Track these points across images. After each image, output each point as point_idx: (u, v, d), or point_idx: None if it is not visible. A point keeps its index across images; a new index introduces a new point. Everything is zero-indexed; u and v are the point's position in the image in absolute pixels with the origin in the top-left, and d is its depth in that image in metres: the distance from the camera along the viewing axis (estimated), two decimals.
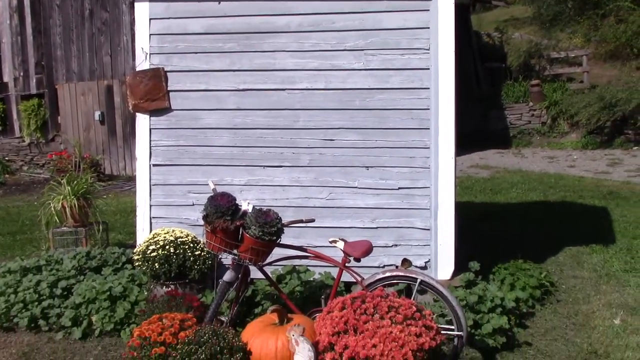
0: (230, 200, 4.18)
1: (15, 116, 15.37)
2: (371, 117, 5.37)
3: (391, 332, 3.62)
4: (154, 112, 5.61)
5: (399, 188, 5.38)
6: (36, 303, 5.19)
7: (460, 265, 5.38)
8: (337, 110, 5.40)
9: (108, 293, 5.06)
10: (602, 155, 14.50)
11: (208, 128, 5.56)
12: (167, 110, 5.59)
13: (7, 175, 14.23)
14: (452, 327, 4.20)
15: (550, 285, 5.81)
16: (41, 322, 5.10)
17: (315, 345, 3.75)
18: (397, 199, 5.39)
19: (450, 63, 5.20)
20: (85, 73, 14.56)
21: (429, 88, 5.27)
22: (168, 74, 5.57)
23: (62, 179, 6.62)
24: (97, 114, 14.43)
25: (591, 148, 15.56)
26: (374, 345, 3.55)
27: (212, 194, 4.26)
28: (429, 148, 5.32)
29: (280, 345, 3.86)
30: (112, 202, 10.80)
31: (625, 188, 10.76)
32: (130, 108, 5.62)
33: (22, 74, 15.14)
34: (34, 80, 15.05)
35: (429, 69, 5.26)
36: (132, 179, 13.25)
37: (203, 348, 3.77)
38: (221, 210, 4.11)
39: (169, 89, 5.56)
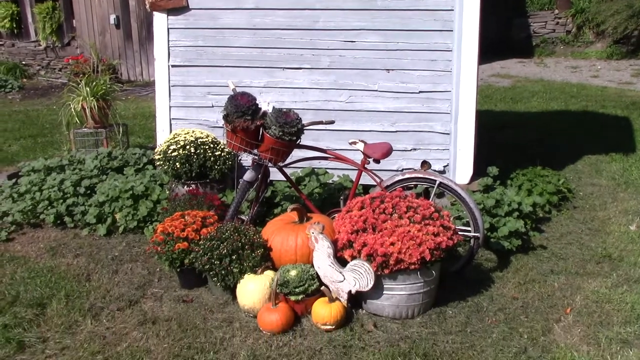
0: (251, 99, 4.16)
1: (30, 19, 15.16)
2: (393, 18, 5.23)
3: (409, 231, 3.69)
4: (171, 11, 5.49)
5: (420, 92, 5.32)
6: (61, 201, 5.31)
7: (479, 172, 5.39)
8: (358, 10, 5.26)
9: (131, 192, 5.15)
10: (626, 66, 14.15)
11: (227, 28, 5.46)
12: (185, 9, 5.48)
13: (24, 80, 14.20)
14: (469, 229, 4.26)
15: (567, 191, 5.82)
16: (66, 219, 5.24)
17: (334, 242, 3.83)
18: (417, 102, 5.34)
19: None
20: None
21: None
22: None
23: (80, 81, 6.61)
24: (112, 17, 14.19)
25: (616, 58, 15.16)
26: (392, 243, 3.62)
27: (232, 94, 4.23)
28: (451, 51, 5.20)
29: (300, 242, 3.95)
30: (130, 106, 10.81)
31: None
32: (148, 7, 5.51)
33: None
34: None
35: None
36: (149, 84, 13.19)
37: (225, 244, 3.88)
38: (241, 109, 4.09)
39: None
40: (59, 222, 5.26)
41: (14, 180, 5.79)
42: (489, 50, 14.17)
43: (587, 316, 3.79)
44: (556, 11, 16.43)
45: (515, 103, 10.66)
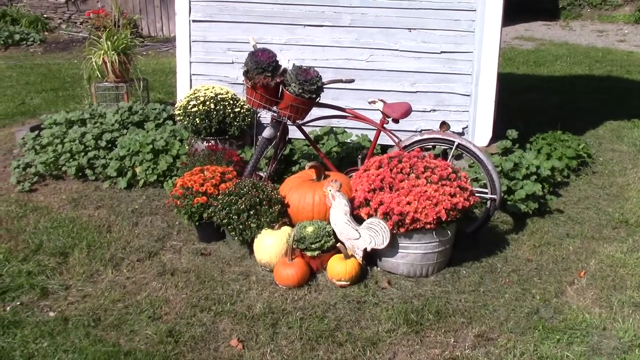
0: (271, 56, 4.15)
1: None
2: None
3: (426, 191, 3.71)
4: None
5: (442, 52, 5.27)
6: (82, 154, 5.38)
7: (498, 135, 5.37)
8: None
9: (151, 146, 5.21)
10: None
11: None
12: None
13: (46, 33, 14.20)
14: (486, 191, 4.27)
15: (587, 156, 5.79)
16: (88, 171, 5.32)
17: (351, 201, 3.87)
18: (438, 63, 5.29)
19: None
20: None
21: None
22: None
23: (101, 35, 6.62)
24: None
25: None
26: (409, 203, 3.65)
27: (252, 50, 4.23)
28: (475, 11, 5.13)
29: (317, 199, 3.99)
30: (151, 62, 10.82)
31: None
32: None
33: None
34: None
35: None
36: (169, 40, 13.14)
37: (243, 199, 3.93)
38: (262, 66, 4.10)
39: None
40: (80, 174, 5.34)
41: (36, 133, 5.86)
42: (514, 12, 13.89)
43: (601, 280, 3.81)
44: None
45: (538, 66, 10.51)
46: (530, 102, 7.95)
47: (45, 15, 14.79)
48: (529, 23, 15.24)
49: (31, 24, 13.94)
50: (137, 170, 5.19)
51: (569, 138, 5.90)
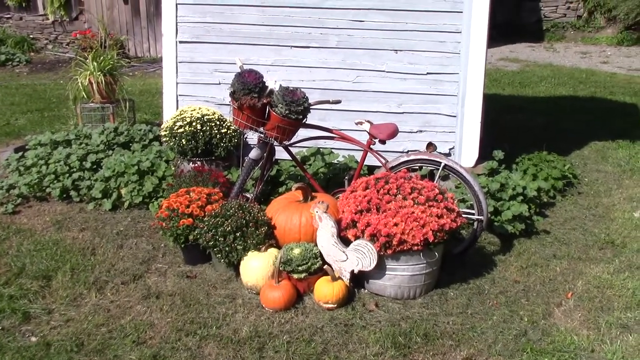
0: (258, 77, 4.15)
1: None
2: None
3: (413, 212, 3.70)
4: None
5: (428, 73, 5.30)
6: (67, 175, 5.33)
7: (484, 155, 5.39)
8: None
9: (136, 167, 5.17)
10: (637, 52, 14.04)
11: (235, 5, 5.44)
12: None
13: (32, 54, 14.17)
14: (473, 212, 4.26)
15: (572, 177, 5.82)
16: (72, 193, 5.27)
17: (338, 222, 3.85)
18: (424, 84, 5.32)
19: None
20: None
21: None
22: None
23: (88, 56, 6.60)
24: None
25: (627, 44, 15.02)
26: (396, 224, 3.63)
27: (239, 71, 4.23)
28: (460, 33, 5.17)
29: (304, 220, 3.96)
30: (137, 82, 10.80)
31: None
32: None
33: None
34: None
35: None
36: (156, 61, 13.15)
37: (229, 221, 3.90)
38: (248, 87, 4.09)
39: None
40: (64, 196, 5.29)
41: (20, 154, 5.81)
42: (499, 34, 14.09)
43: (588, 301, 3.80)
44: None
45: (523, 87, 10.60)
46: (515, 123, 8.00)
47: (31, 36, 14.77)
48: (513, 44, 15.41)
49: (17, 44, 13.92)
50: (123, 191, 5.15)
51: (555, 159, 5.93)
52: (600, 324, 3.55)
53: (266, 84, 4.22)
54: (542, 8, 16.55)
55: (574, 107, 9.04)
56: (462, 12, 5.11)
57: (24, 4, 15.17)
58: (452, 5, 5.12)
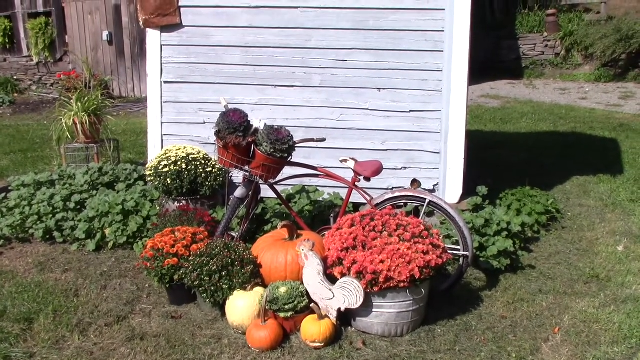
0: (243, 116, 4.18)
1: (22, 35, 15.19)
2: (384, 38, 5.29)
3: (399, 249, 3.70)
4: (165, 28, 5.53)
5: (410, 111, 5.37)
6: (50, 216, 5.29)
7: (468, 191, 5.43)
8: (350, 30, 5.32)
9: (121, 207, 5.15)
10: (614, 88, 14.31)
11: (219, 45, 5.50)
12: (178, 26, 5.52)
13: (16, 95, 14.19)
14: (458, 248, 4.28)
15: (556, 212, 5.87)
16: (56, 234, 5.22)
17: (324, 260, 3.84)
18: (408, 121, 5.38)
19: None
20: None
21: (444, 9, 5.16)
22: None
23: (72, 96, 6.62)
24: (105, 34, 14.24)
25: (604, 81, 15.33)
26: (382, 261, 3.63)
27: (224, 111, 4.26)
28: (442, 71, 5.26)
29: (290, 259, 3.95)
30: (122, 122, 10.82)
31: (636, 120, 10.67)
32: (141, 23, 5.55)
33: None
34: None
35: None
36: (140, 101, 13.21)
37: (215, 260, 3.87)
38: (233, 126, 4.12)
39: (180, 4, 5.46)
40: (48, 237, 5.24)
41: (3, 195, 5.77)
42: (479, 71, 14.31)
43: (575, 336, 3.80)
44: (545, 34, 16.62)
45: (505, 124, 10.75)
46: (498, 159, 8.09)
47: (15, 77, 14.81)
48: (494, 82, 15.67)
49: (1, 85, 13.96)
50: (107, 231, 5.11)
51: (538, 194, 5.99)
52: (588, 358, 3.55)
53: (251, 123, 4.24)
54: (521, 46, 16.88)
55: (555, 143, 9.17)
56: (442, 50, 5.21)
57: (8, 46, 15.25)
58: (433, 44, 5.22)
